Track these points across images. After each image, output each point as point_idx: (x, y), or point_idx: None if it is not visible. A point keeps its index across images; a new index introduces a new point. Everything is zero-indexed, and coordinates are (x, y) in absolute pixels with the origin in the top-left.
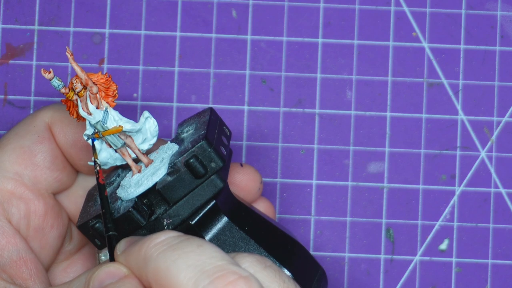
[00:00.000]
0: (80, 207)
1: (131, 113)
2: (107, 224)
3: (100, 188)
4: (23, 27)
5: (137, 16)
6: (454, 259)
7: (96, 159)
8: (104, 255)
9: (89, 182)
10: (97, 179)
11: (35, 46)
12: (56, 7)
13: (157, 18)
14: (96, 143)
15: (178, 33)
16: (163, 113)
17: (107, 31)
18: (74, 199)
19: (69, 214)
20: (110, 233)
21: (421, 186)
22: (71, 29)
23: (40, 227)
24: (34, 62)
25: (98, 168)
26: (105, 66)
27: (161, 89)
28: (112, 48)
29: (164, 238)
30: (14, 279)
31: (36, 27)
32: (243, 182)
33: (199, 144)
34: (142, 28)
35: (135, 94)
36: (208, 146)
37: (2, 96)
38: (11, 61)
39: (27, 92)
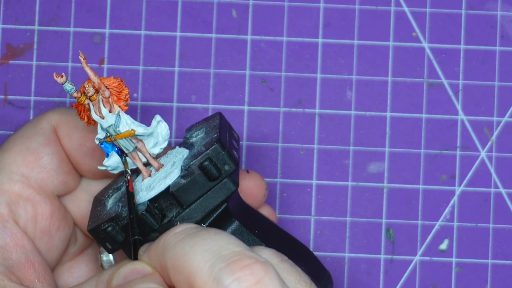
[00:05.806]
0: (84, 211)
1: (131, 113)
2: (134, 229)
3: (129, 196)
4: (23, 27)
5: (137, 16)
6: (454, 259)
7: (127, 169)
8: (106, 256)
9: (93, 186)
10: (127, 187)
11: (35, 46)
12: (56, 7)
13: (157, 18)
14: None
15: (178, 33)
16: (163, 113)
17: (107, 31)
18: (78, 203)
19: (72, 217)
20: (136, 237)
21: (421, 186)
22: (71, 29)
23: (47, 229)
24: (34, 62)
25: (128, 177)
26: (105, 66)
27: (161, 89)
28: (112, 48)
29: (182, 229)
30: (22, 281)
31: (36, 27)
32: (249, 188)
33: (213, 147)
34: (142, 28)
35: (135, 94)
36: (222, 148)
37: (2, 96)
38: (11, 61)
39: (27, 92)
